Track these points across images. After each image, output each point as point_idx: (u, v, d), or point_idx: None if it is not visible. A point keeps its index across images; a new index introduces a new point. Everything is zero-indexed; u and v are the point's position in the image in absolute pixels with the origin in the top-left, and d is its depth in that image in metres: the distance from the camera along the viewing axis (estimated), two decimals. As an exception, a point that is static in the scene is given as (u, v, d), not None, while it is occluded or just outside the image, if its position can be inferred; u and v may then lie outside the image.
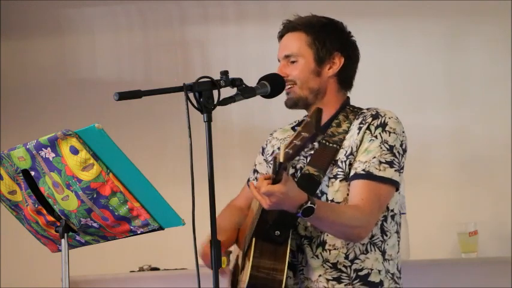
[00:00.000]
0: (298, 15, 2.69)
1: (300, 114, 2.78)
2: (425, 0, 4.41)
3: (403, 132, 2.56)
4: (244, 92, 2.41)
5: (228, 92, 2.39)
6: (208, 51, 4.75)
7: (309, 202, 2.32)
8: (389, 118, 2.54)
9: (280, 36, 2.70)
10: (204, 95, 2.29)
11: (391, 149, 2.51)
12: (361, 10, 4.35)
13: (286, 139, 2.72)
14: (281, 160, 2.21)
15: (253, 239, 2.47)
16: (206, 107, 2.28)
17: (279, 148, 2.72)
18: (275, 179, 2.27)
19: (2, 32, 4.94)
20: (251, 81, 2.46)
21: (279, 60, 2.68)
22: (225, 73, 2.36)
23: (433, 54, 4.48)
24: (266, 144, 2.80)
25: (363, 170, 2.49)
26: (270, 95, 2.49)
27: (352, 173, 2.51)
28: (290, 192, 2.30)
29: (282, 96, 2.58)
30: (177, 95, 2.33)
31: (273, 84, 2.48)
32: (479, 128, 4.36)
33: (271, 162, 2.59)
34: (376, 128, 2.53)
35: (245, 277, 2.46)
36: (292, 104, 2.63)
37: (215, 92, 2.31)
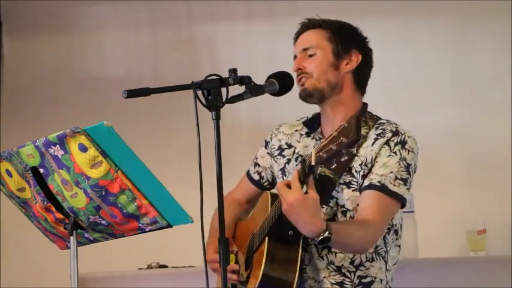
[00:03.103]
0: (314, 18, 2.70)
1: (309, 112, 2.78)
2: (430, 0, 4.41)
3: (418, 152, 2.59)
4: (253, 90, 2.40)
5: (236, 90, 2.39)
6: (216, 49, 4.75)
7: (327, 232, 2.32)
8: (408, 137, 2.57)
9: (298, 35, 2.71)
10: (213, 92, 2.29)
11: (407, 167, 2.54)
12: (366, 9, 4.35)
13: (294, 135, 2.72)
14: (312, 163, 2.20)
15: (266, 238, 2.48)
16: (214, 104, 2.28)
17: (286, 143, 2.73)
18: (302, 180, 2.28)
19: (10, 30, 4.95)
20: (258, 80, 2.46)
21: (295, 57, 2.68)
22: (233, 71, 2.35)
23: (437, 53, 4.47)
24: (271, 138, 2.79)
25: (379, 182, 2.50)
26: (278, 93, 2.49)
27: (366, 183, 2.52)
28: (308, 206, 2.29)
29: (290, 94, 2.58)
30: (185, 93, 2.33)
31: (281, 82, 2.48)
32: (487, 126, 4.35)
33: (298, 162, 2.59)
34: (395, 144, 2.54)
35: (256, 275, 2.46)
36: (307, 95, 2.63)
37: (223, 90, 2.31)
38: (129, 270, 4.31)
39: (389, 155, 2.53)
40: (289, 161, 2.70)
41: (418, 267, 3.82)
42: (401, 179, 2.51)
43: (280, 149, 2.74)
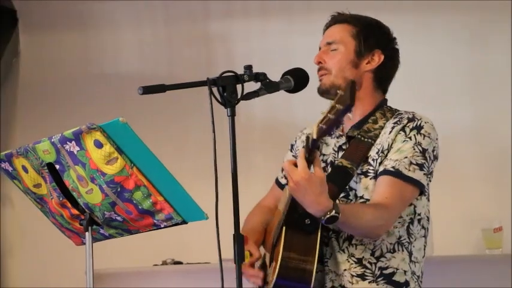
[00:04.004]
0: (344, 12, 2.69)
1: (324, 108, 2.77)
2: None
3: (437, 139, 2.56)
4: (268, 86, 2.40)
5: (251, 86, 2.39)
6: (232, 46, 4.75)
7: (334, 211, 2.30)
8: (425, 122, 2.54)
9: (327, 27, 2.70)
10: (228, 89, 2.29)
11: (423, 152, 2.51)
12: (384, 7, 4.34)
13: None
14: (314, 136, 2.18)
15: (284, 228, 2.46)
16: (230, 101, 2.28)
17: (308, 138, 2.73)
18: (308, 158, 2.26)
19: (26, 27, 4.97)
20: (274, 77, 2.45)
21: (319, 49, 2.68)
22: (248, 67, 2.35)
23: (457, 49, 4.46)
24: (295, 141, 2.79)
25: (393, 167, 2.48)
26: (293, 90, 2.48)
27: (381, 169, 2.50)
28: (315, 185, 2.27)
29: (306, 91, 2.57)
30: (201, 90, 2.33)
31: (296, 79, 2.47)
32: (504, 123, 4.34)
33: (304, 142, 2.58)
34: (411, 129, 2.52)
35: (275, 267, 2.45)
36: (324, 91, 2.62)
37: (239, 87, 2.31)
38: (144, 266, 4.32)
39: (404, 140, 2.51)
40: None
41: (433, 264, 3.81)
42: (417, 164, 2.48)
43: None
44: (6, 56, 4.87)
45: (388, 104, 2.68)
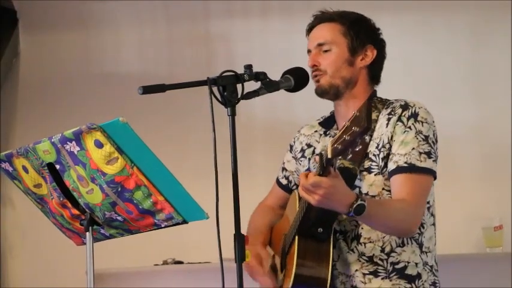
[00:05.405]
0: (327, 10, 2.68)
1: (325, 109, 2.78)
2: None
3: (433, 122, 2.56)
4: (268, 86, 2.40)
5: (251, 86, 2.38)
6: (232, 46, 4.75)
7: (359, 200, 2.31)
8: (419, 108, 2.54)
9: (310, 28, 2.69)
10: (228, 88, 2.29)
11: (426, 139, 2.51)
12: (386, 5, 4.34)
13: (314, 135, 2.72)
14: (329, 156, 2.19)
15: (296, 237, 2.47)
16: (230, 100, 2.28)
17: (307, 144, 2.73)
18: (321, 174, 2.27)
19: (27, 27, 4.97)
20: (274, 76, 2.45)
21: (309, 51, 2.67)
22: (248, 67, 2.35)
23: (458, 48, 4.46)
24: (294, 142, 2.79)
25: (405, 162, 2.48)
26: (293, 89, 2.49)
27: (393, 167, 2.49)
28: (338, 187, 2.28)
29: (306, 90, 2.58)
30: (201, 89, 2.33)
31: (296, 78, 2.47)
32: (504, 122, 4.34)
33: (312, 158, 2.59)
34: (408, 119, 2.52)
35: (289, 276, 2.46)
36: (323, 92, 2.62)
37: (239, 86, 2.31)
38: (144, 266, 4.32)
39: (405, 131, 2.50)
40: (309, 160, 2.70)
41: (434, 263, 3.81)
42: (425, 153, 2.49)
43: (302, 150, 2.74)
44: (6, 56, 4.86)
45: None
